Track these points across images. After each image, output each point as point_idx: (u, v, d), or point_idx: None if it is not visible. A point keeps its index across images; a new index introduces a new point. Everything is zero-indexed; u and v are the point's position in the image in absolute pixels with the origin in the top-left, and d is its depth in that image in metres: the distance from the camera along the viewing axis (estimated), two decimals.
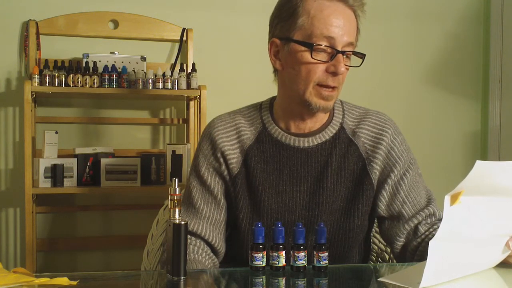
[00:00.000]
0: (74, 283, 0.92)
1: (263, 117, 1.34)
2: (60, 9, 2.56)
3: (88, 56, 2.48)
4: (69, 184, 2.39)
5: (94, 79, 2.39)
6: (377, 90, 2.95)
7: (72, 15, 2.55)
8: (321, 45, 1.20)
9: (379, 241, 1.53)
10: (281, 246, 1.01)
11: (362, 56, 1.26)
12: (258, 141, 1.31)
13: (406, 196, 1.29)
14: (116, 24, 2.61)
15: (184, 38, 2.66)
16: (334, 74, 1.21)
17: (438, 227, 0.94)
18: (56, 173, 2.36)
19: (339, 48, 1.21)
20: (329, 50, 1.21)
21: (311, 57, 1.21)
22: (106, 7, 2.61)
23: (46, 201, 2.54)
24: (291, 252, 1.02)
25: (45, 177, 2.35)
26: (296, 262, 1.01)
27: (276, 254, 1.01)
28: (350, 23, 1.23)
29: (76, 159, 2.42)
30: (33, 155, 2.37)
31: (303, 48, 1.22)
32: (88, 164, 2.44)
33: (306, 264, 1.02)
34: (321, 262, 1.02)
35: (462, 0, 3.07)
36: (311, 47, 1.20)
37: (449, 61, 3.07)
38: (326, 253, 1.02)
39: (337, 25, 1.20)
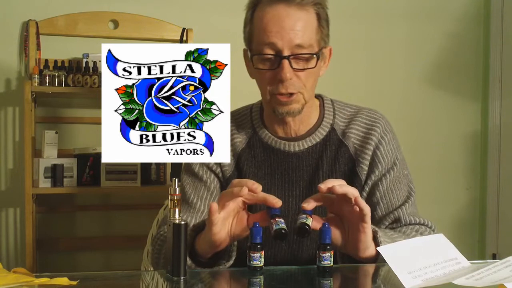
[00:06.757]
0: (74, 283, 0.92)
1: (253, 121, 1.32)
2: (60, 9, 2.55)
3: (88, 56, 2.48)
4: (69, 184, 2.39)
5: (94, 79, 2.39)
6: (376, 91, 2.94)
7: (72, 15, 2.55)
8: (262, 53, 1.18)
9: None
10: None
11: (314, 55, 1.19)
12: (249, 146, 1.30)
13: (381, 198, 1.26)
14: (116, 24, 2.61)
15: (184, 38, 2.66)
16: (281, 81, 1.17)
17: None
18: (56, 173, 2.36)
19: (285, 53, 1.16)
20: (273, 57, 1.17)
21: (254, 66, 1.21)
22: (106, 7, 2.61)
23: (46, 201, 2.53)
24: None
25: (45, 177, 2.35)
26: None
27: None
28: (298, 24, 1.17)
29: (76, 159, 2.42)
30: (33, 155, 2.37)
31: (249, 58, 1.23)
32: (88, 164, 2.43)
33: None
34: (322, 262, 1.02)
35: (462, 0, 3.07)
36: (252, 57, 1.21)
37: (448, 61, 3.06)
38: (328, 254, 1.02)
39: (278, 30, 1.16)
